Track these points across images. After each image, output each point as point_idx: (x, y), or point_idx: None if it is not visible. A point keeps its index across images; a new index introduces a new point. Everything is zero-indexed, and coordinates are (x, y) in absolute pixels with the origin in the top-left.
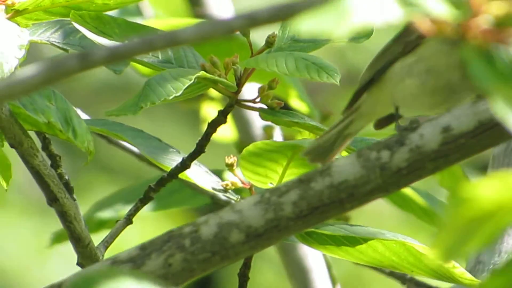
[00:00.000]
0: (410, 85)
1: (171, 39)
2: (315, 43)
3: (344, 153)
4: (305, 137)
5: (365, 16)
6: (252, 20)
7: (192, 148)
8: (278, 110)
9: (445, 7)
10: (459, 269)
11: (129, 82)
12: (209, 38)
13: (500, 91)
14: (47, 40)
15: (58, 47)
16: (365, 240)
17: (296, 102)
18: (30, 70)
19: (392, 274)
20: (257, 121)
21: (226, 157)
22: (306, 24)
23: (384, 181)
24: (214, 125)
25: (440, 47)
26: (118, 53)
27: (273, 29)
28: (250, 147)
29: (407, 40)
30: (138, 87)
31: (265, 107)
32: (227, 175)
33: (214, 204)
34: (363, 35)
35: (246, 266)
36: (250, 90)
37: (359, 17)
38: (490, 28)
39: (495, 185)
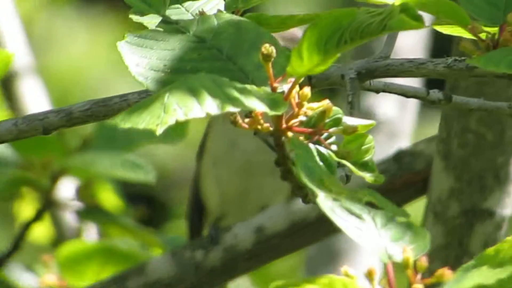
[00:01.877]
0: (209, 185)
1: None
2: (131, 143)
3: (158, 251)
4: (120, 236)
5: (183, 114)
6: (68, 117)
7: (7, 246)
8: (94, 209)
9: (264, 105)
10: None
11: None
12: (23, 136)
13: (321, 187)
14: None
15: None
16: None
17: (112, 201)
18: None
19: None
20: (73, 220)
21: (42, 256)
22: (124, 123)
23: (198, 280)
24: (29, 223)
25: (222, 136)
26: None
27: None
28: (66, 247)
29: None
30: None
31: (81, 205)
32: (44, 274)
33: None
34: (179, 136)
35: None
36: (67, 188)
37: (176, 116)
38: (308, 127)
39: (317, 285)
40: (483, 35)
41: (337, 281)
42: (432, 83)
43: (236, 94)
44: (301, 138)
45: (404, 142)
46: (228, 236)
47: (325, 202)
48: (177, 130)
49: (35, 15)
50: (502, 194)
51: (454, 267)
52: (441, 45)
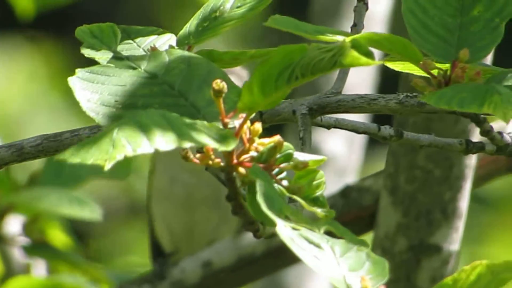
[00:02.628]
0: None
1: None
2: (79, 179)
3: (106, 287)
4: (69, 272)
5: (132, 150)
6: (19, 152)
7: None
8: (41, 245)
9: (214, 141)
10: None
11: None
12: None
13: (280, 216)
14: None
15: None
16: None
17: (60, 237)
18: None
19: None
20: (21, 255)
21: None
22: (74, 158)
23: None
24: None
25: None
26: None
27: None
28: (13, 282)
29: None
30: None
31: (28, 241)
32: None
33: None
34: (125, 172)
35: None
36: (14, 223)
37: (125, 151)
38: (259, 162)
39: None
40: (434, 72)
41: None
42: (379, 118)
43: (186, 129)
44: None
45: (351, 177)
46: (175, 270)
47: (284, 231)
48: (124, 166)
49: None
50: (450, 230)
51: None
52: (388, 82)
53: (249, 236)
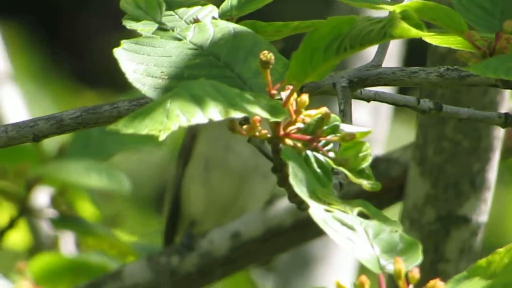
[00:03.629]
0: (195, 190)
1: None
2: (106, 152)
3: (131, 259)
4: (95, 244)
5: (186, 120)
6: (59, 125)
7: None
8: (69, 218)
9: (265, 111)
10: None
11: None
12: (14, 143)
13: (314, 194)
14: None
15: None
16: None
17: (89, 209)
18: None
19: None
20: (49, 228)
21: (17, 264)
22: (127, 128)
23: (173, 285)
24: (3, 231)
25: (215, 136)
26: None
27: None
28: (40, 259)
29: (182, 151)
30: None
31: (56, 213)
32: (19, 281)
33: None
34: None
35: None
36: (43, 196)
37: (179, 122)
38: (306, 134)
39: None
40: (479, 43)
41: None
42: (402, 90)
43: (237, 100)
44: (299, 145)
45: (377, 149)
46: (203, 242)
47: (317, 213)
48: (154, 141)
49: None
50: (478, 201)
51: (429, 273)
52: (414, 55)
53: (276, 208)
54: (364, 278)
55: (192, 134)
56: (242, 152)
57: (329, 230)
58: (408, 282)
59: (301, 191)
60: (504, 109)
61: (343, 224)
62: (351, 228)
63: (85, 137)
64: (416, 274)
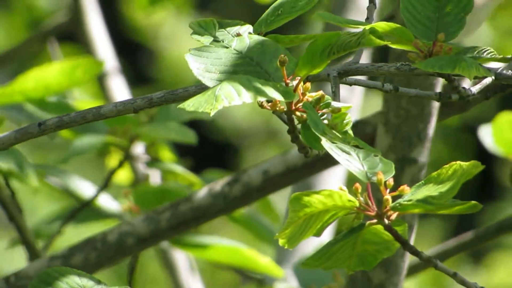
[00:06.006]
0: None
1: (97, 113)
2: (178, 118)
3: (198, 187)
4: (174, 178)
5: (228, 102)
6: (150, 102)
7: (100, 184)
8: (157, 161)
9: (281, 95)
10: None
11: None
12: (121, 114)
13: (323, 134)
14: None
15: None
16: (210, 245)
17: (169, 155)
18: (4, 134)
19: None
20: (144, 168)
21: (124, 191)
22: (190, 106)
23: (225, 205)
24: (114, 170)
25: None
26: (63, 121)
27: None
28: (139, 188)
29: None
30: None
31: (149, 158)
32: (125, 202)
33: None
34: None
35: (134, 257)
36: (140, 147)
37: (223, 103)
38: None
39: (322, 195)
40: (422, 48)
41: (335, 193)
42: (372, 78)
43: (262, 88)
44: (305, 115)
45: (354, 115)
46: (244, 176)
47: (326, 144)
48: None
49: None
50: (422, 148)
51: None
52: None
53: (292, 153)
54: (357, 185)
55: None
56: None
57: (334, 154)
58: (386, 187)
59: (316, 130)
60: (438, 89)
61: (343, 151)
62: (348, 153)
63: (166, 110)
64: (391, 182)
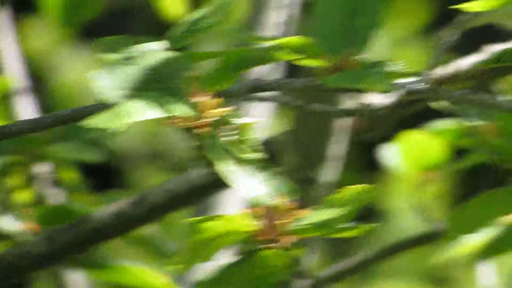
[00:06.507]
0: None
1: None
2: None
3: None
4: (78, 199)
5: (134, 117)
6: (55, 118)
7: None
8: (61, 180)
9: (186, 110)
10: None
11: None
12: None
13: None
14: None
15: None
16: (110, 265)
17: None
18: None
19: None
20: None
21: (24, 210)
22: (92, 122)
23: (128, 225)
24: (15, 189)
25: None
26: None
27: None
28: (41, 207)
29: None
30: None
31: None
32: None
33: None
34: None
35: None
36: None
37: (133, 118)
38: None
39: (220, 220)
40: (330, 63)
41: (234, 218)
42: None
43: (169, 104)
44: (208, 130)
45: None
46: (149, 195)
47: (220, 167)
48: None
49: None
50: (331, 168)
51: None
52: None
53: (197, 171)
54: (259, 208)
55: None
56: None
57: (228, 180)
58: (285, 210)
59: (212, 154)
60: (346, 105)
61: (243, 173)
62: (248, 175)
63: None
64: (292, 204)
